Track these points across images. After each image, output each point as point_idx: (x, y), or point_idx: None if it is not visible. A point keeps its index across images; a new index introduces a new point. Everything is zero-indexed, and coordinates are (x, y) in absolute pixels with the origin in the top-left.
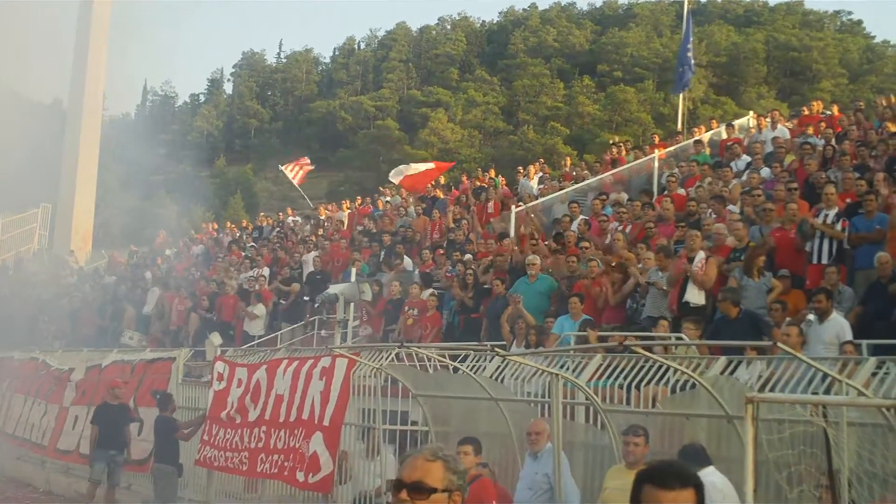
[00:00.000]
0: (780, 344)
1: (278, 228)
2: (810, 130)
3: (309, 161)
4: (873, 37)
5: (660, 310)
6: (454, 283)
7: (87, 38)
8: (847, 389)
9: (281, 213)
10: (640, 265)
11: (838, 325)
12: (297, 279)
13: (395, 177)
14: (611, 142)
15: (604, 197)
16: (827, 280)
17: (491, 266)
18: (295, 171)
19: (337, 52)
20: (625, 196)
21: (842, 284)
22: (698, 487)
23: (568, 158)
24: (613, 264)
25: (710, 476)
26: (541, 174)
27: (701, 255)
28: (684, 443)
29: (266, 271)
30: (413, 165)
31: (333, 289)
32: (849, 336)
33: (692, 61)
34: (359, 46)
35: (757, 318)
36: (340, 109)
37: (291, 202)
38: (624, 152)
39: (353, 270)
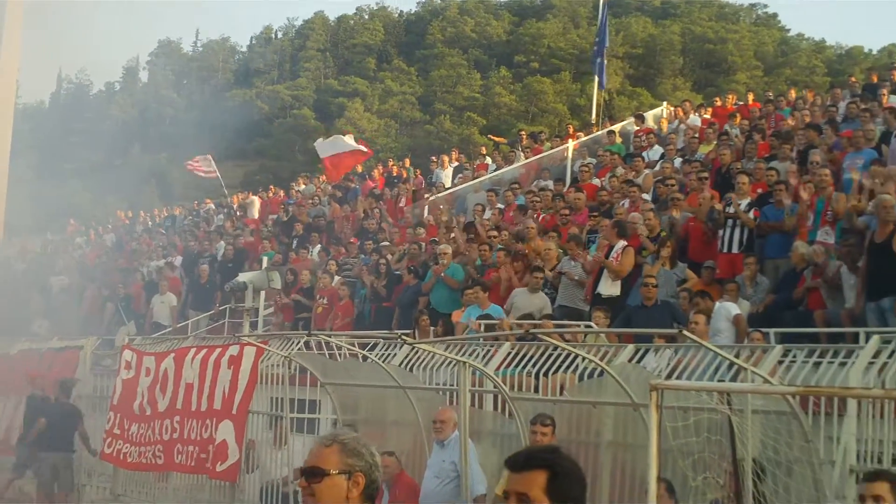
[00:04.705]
0: (685, 332)
1: (191, 217)
2: (736, 121)
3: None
4: (788, 30)
5: (573, 300)
6: (363, 272)
7: (0, 26)
8: (752, 377)
9: (196, 202)
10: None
11: (724, 309)
12: (211, 267)
13: (323, 150)
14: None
15: (515, 186)
16: (746, 272)
17: (405, 255)
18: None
19: (254, 41)
20: (550, 183)
21: (760, 275)
22: (553, 470)
23: (483, 148)
24: (514, 254)
25: None
26: (456, 164)
27: (620, 244)
28: (591, 430)
29: (178, 260)
30: (344, 139)
31: (242, 277)
32: (736, 311)
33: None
34: (276, 35)
35: (673, 307)
36: (257, 98)
37: (207, 191)
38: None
39: (264, 259)
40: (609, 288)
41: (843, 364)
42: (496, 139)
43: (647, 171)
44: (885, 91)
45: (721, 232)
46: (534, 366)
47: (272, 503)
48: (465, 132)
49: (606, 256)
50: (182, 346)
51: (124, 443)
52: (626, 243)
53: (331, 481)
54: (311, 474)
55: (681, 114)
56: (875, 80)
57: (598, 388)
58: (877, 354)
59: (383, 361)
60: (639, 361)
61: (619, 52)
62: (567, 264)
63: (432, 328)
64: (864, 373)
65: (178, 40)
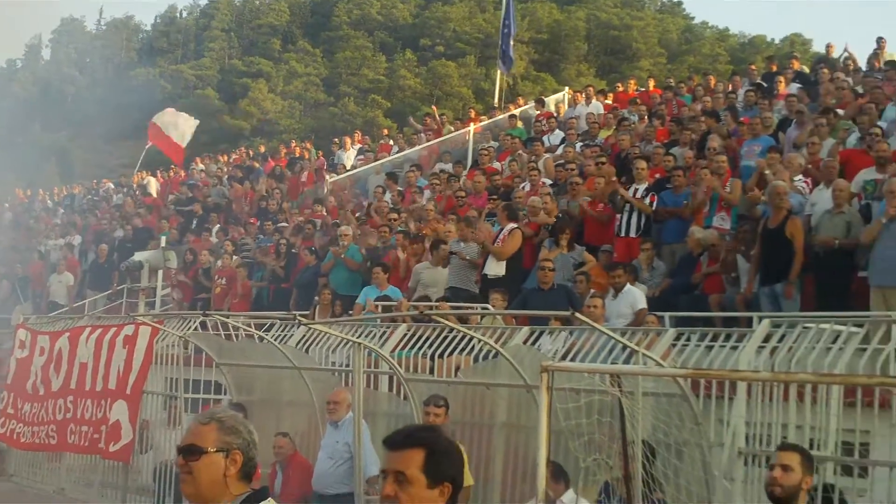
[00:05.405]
0: (578, 314)
1: (90, 196)
2: (636, 107)
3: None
4: (692, 17)
5: (464, 281)
6: (258, 253)
7: None
8: (644, 360)
9: (95, 181)
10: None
11: (632, 295)
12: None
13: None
14: (426, 113)
15: (414, 168)
16: (643, 256)
17: (301, 229)
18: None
19: (158, 20)
20: (449, 166)
21: (656, 259)
22: (430, 449)
23: (385, 130)
24: (413, 236)
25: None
26: (360, 146)
27: (508, 226)
28: (485, 412)
29: (77, 239)
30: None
31: (138, 256)
32: (642, 304)
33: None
34: (180, 15)
35: (569, 290)
36: (160, 78)
37: (108, 171)
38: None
39: (162, 238)
40: (494, 268)
41: (734, 348)
42: (413, 123)
43: (547, 155)
44: (781, 79)
45: (619, 216)
46: (430, 347)
47: (165, 483)
48: (370, 115)
49: (495, 239)
50: (77, 326)
51: (17, 423)
52: (514, 225)
53: (208, 459)
54: (189, 452)
55: (581, 99)
56: (774, 69)
57: (492, 370)
58: (767, 338)
59: (279, 342)
60: (534, 344)
61: (524, 37)
62: (457, 245)
63: (333, 307)
64: (754, 356)
65: (81, 18)
